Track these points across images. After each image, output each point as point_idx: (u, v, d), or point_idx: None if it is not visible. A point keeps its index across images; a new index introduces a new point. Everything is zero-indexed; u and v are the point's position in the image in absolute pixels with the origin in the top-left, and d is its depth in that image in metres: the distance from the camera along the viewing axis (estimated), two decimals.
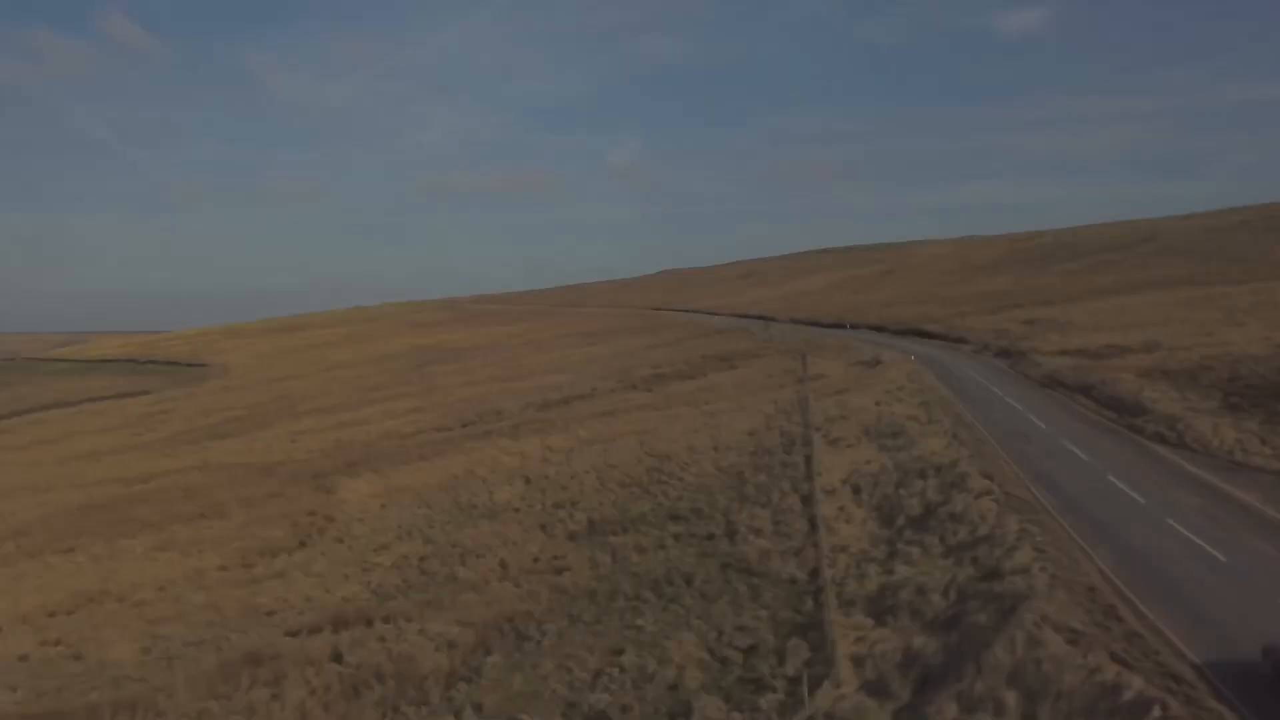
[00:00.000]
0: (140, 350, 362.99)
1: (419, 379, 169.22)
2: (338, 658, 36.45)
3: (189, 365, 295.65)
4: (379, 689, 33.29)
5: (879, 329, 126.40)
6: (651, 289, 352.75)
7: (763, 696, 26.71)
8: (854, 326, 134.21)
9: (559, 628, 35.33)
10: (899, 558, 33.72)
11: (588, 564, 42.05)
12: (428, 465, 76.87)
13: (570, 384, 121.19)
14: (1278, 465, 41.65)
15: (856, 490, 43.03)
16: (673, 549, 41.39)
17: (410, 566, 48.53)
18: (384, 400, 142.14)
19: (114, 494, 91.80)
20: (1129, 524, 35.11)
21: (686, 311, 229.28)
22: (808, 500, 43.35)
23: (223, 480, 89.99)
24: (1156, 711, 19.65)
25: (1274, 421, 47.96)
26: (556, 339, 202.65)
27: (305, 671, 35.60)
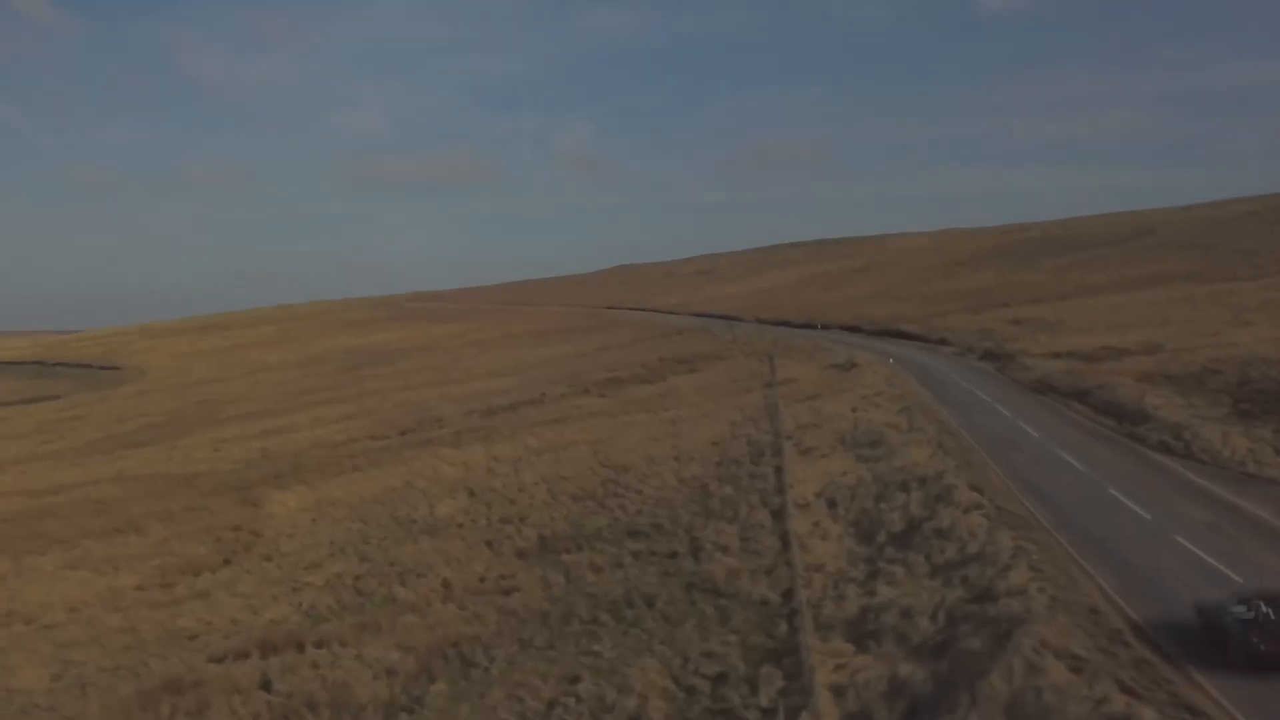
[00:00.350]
0: (48, 352, 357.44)
1: (352, 383, 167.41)
2: (267, 685, 35.23)
3: (101, 368, 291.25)
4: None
5: (853, 329, 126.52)
6: (603, 286, 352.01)
7: None
8: (825, 327, 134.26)
9: (508, 653, 34.37)
10: (881, 578, 33.04)
11: (539, 584, 41.10)
12: (362, 476, 75.54)
13: (517, 388, 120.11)
14: None
15: (832, 504, 42.40)
16: (632, 568, 40.55)
17: (344, 586, 47.31)
18: (314, 406, 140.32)
19: (20, 507, 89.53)
20: (1133, 541, 34.61)
21: (642, 310, 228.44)
22: (779, 515, 42.69)
23: (139, 492, 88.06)
24: None
25: None
26: (501, 340, 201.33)
27: (231, 700, 34.38)
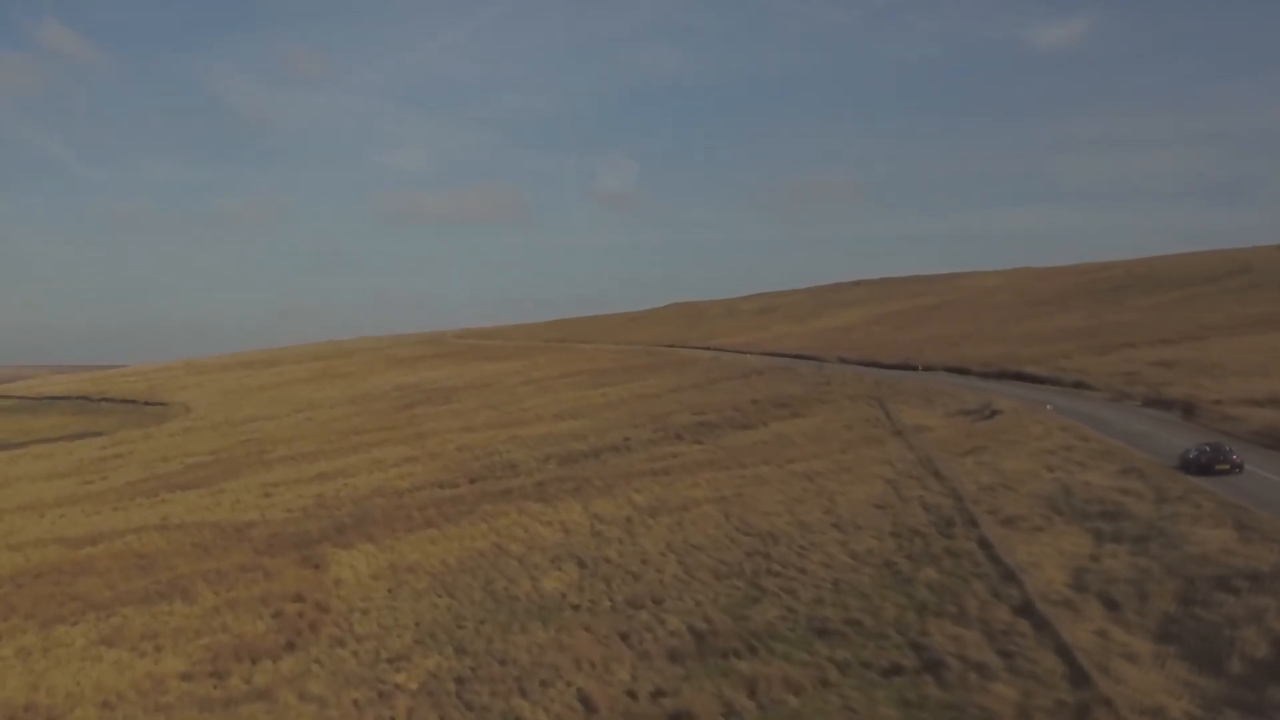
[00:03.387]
0: (92, 387, 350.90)
1: (406, 422, 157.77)
2: None
3: (146, 404, 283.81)
4: None
5: (960, 371, 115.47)
6: (659, 324, 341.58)
7: None
8: (928, 368, 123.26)
9: None
10: None
11: (717, 706, 30.70)
12: (439, 535, 65.54)
13: (593, 432, 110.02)
14: None
15: (1111, 604, 31.59)
16: (845, 687, 30.04)
17: (445, 693, 36.97)
18: (368, 447, 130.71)
19: (56, 559, 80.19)
20: None
21: (707, 349, 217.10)
22: (1028, 613, 32.09)
23: (185, 545, 78.49)
24: None
25: None
26: (559, 379, 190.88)
27: None
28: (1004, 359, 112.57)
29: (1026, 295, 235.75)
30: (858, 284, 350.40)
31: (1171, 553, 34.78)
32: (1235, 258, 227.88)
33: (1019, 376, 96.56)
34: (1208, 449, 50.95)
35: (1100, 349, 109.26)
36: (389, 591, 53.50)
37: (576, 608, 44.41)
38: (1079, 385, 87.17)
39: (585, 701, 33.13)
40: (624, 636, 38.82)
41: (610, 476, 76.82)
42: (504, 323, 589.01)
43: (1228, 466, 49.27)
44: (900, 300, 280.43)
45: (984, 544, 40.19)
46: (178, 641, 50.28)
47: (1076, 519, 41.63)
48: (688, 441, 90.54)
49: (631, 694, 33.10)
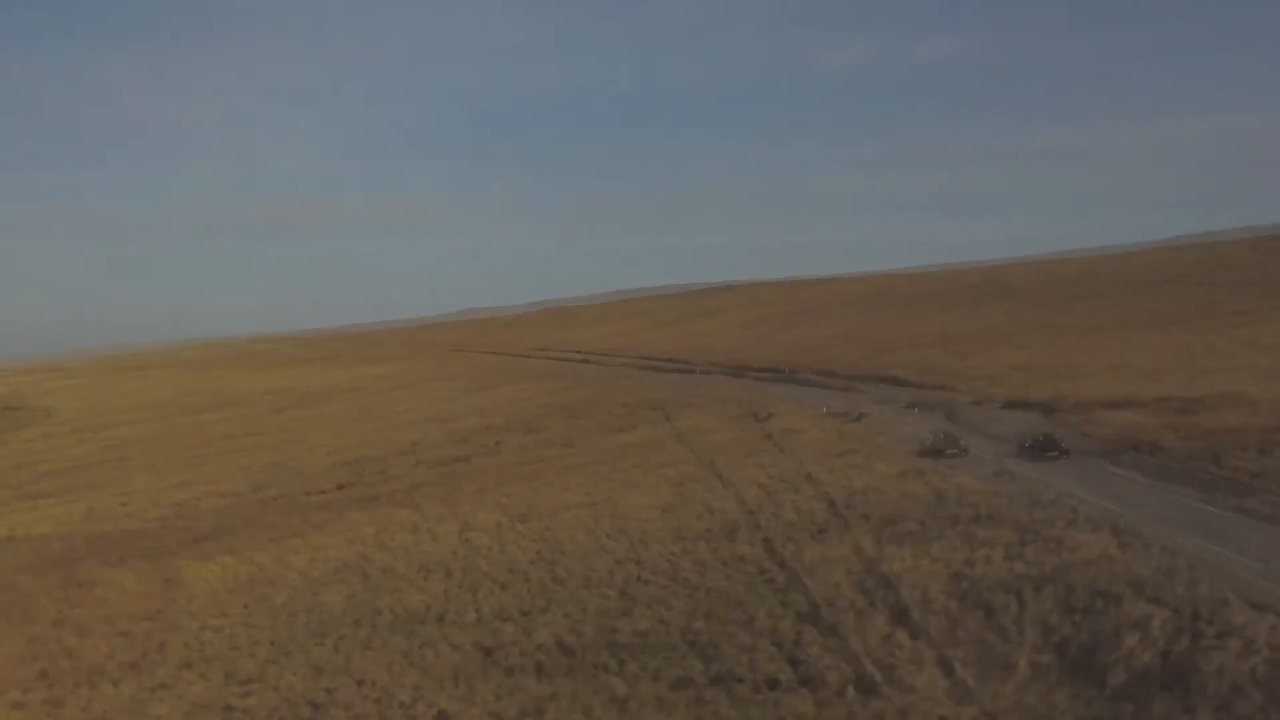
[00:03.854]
0: None
1: (275, 426, 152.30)
2: None
3: (5, 409, 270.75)
4: None
5: (828, 374, 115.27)
6: (531, 327, 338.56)
7: None
8: (795, 371, 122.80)
9: None
10: None
11: None
12: (302, 544, 62.14)
13: (465, 435, 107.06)
14: None
15: (989, 611, 30.24)
16: (722, 705, 28.19)
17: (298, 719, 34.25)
18: (235, 452, 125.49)
19: None
20: None
21: (577, 353, 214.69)
22: (904, 619, 30.64)
23: (31, 558, 73.44)
24: None
25: None
26: (432, 381, 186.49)
27: None
28: (867, 363, 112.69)
29: (890, 299, 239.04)
30: (725, 288, 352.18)
31: (1050, 558, 33.70)
32: (1074, 266, 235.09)
33: (886, 380, 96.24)
34: (1040, 438, 57.19)
35: (961, 354, 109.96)
36: (245, 607, 50.10)
37: (441, 620, 41.86)
38: (941, 388, 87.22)
39: None
40: (488, 651, 36.48)
41: (481, 480, 74.26)
42: (377, 324, 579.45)
43: (1056, 453, 55.09)
44: (764, 305, 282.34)
45: (857, 550, 38.79)
46: (11, 666, 46.23)
47: (957, 524, 40.47)
48: (558, 445, 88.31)
49: (495, 715, 30.78)
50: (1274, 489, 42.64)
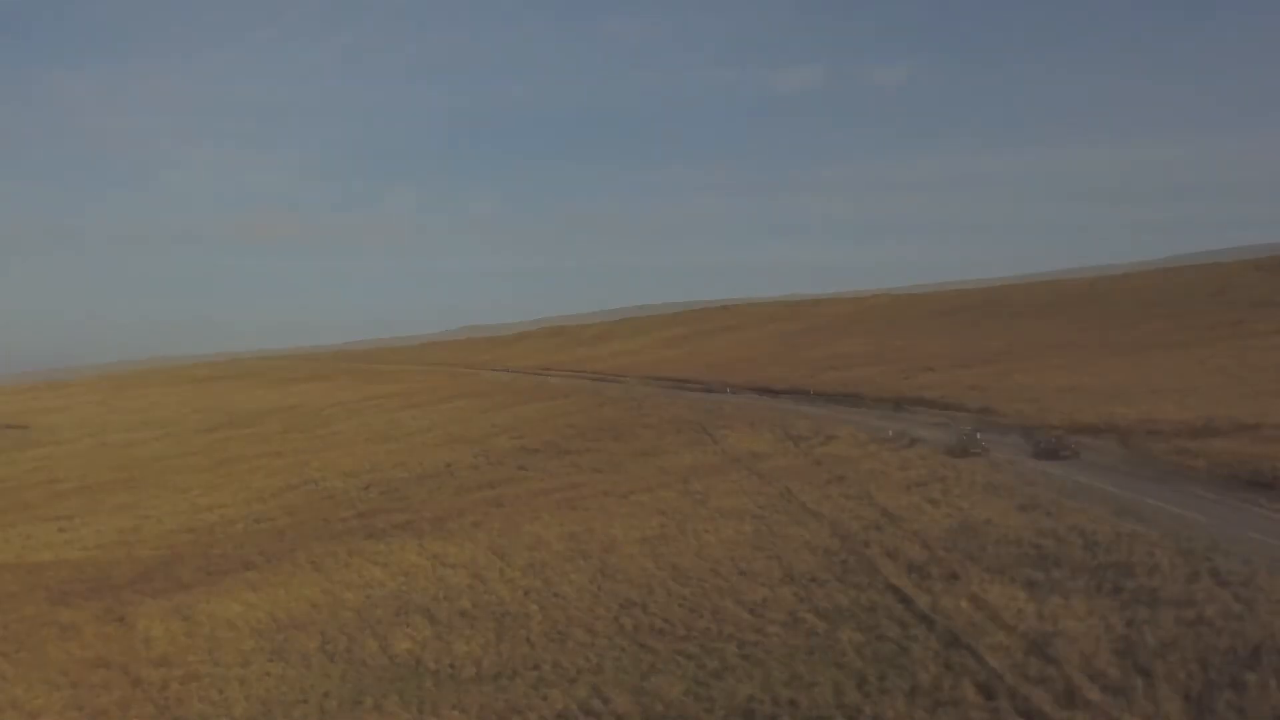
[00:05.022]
0: None
1: (209, 449, 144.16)
2: None
3: (6, 427, 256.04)
4: None
5: (767, 391, 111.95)
6: (535, 345, 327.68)
7: None
8: (735, 390, 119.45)
9: None
10: None
11: None
12: (260, 579, 56.64)
13: (410, 457, 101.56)
14: None
15: (1146, 673, 26.19)
16: None
17: None
18: (170, 475, 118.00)
19: None
20: None
21: (594, 371, 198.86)
22: (996, 691, 26.70)
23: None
24: None
25: None
26: (449, 400, 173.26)
27: None
28: (895, 384, 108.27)
29: (812, 321, 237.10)
30: (724, 307, 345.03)
31: (1160, 610, 29.98)
32: (1082, 284, 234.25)
33: (920, 402, 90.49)
34: (964, 436, 64.48)
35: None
36: (210, 654, 44.77)
37: (436, 674, 37.06)
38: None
39: None
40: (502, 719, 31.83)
41: (440, 508, 69.23)
42: (299, 346, 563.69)
43: (978, 450, 61.36)
44: (688, 325, 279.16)
45: (903, 600, 34.77)
46: None
47: (996, 566, 36.57)
48: (511, 467, 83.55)
49: None
50: None
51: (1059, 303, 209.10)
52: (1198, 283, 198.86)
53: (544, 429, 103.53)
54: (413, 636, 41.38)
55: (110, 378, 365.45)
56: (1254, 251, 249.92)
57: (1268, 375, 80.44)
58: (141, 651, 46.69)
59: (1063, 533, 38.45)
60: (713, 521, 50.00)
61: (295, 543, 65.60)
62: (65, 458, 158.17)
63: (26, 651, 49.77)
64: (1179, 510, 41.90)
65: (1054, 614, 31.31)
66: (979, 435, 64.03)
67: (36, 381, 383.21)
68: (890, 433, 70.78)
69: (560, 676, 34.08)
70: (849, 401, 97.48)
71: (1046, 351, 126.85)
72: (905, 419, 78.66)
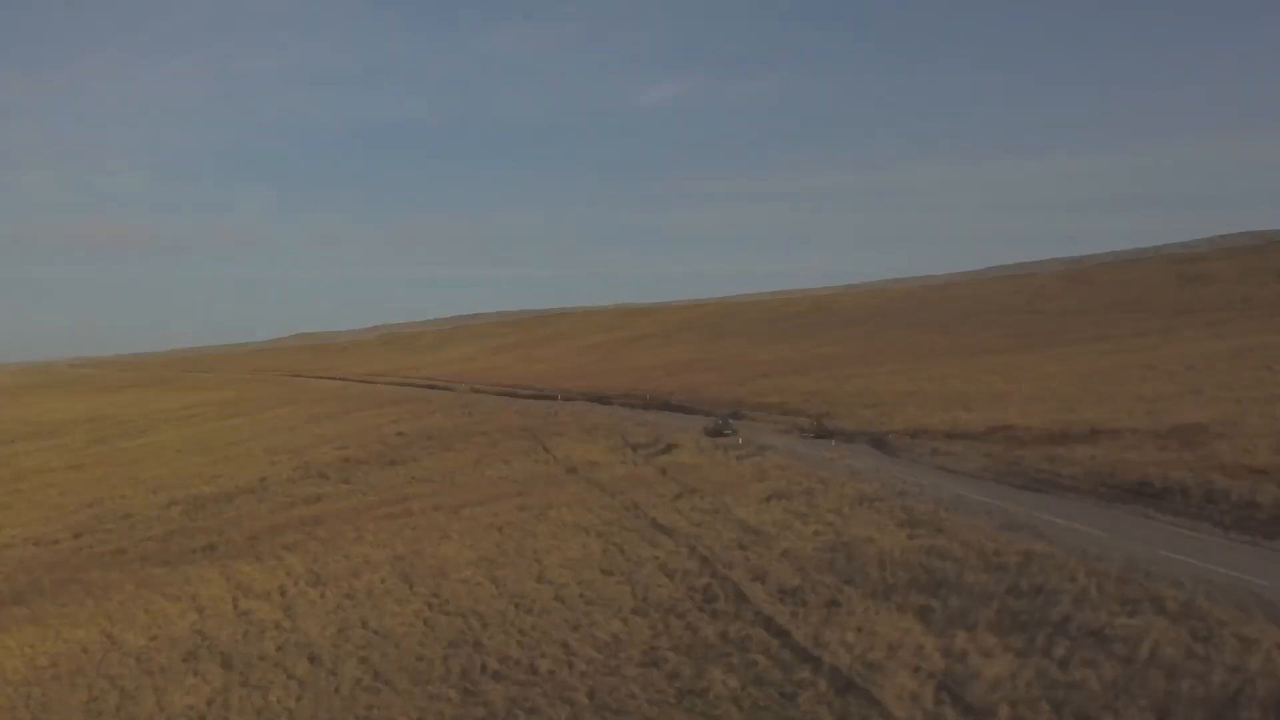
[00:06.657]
0: None
1: (97, 458, 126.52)
2: None
3: None
4: None
5: (601, 400, 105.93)
6: (368, 352, 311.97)
7: None
8: (567, 398, 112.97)
9: None
10: None
11: None
12: (29, 615, 46.98)
13: (222, 470, 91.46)
14: None
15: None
16: None
17: None
18: (49, 489, 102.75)
19: None
20: None
21: (424, 379, 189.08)
22: None
23: None
24: None
25: None
26: (271, 409, 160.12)
27: None
28: (730, 390, 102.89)
29: (641, 330, 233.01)
30: (560, 314, 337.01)
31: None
32: (905, 293, 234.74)
33: (760, 406, 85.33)
34: (718, 421, 72.64)
35: (837, 378, 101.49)
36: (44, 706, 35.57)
37: None
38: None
39: None
40: None
41: (251, 529, 60.40)
42: (123, 352, 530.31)
43: (731, 432, 68.23)
44: (521, 333, 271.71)
45: (774, 628, 28.72)
46: None
47: (881, 591, 30.80)
48: (334, 480, 74.93)
49: None
50: None
51: (885, 310, 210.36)
52: (1012, 293, 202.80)
53: (371, 438, 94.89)
54: (198, 690, 33.08)
55: None
56: (1062, 264, 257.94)
57: (1100, 381, 78.45)
58: None
59: (956, 552, 32.81)
60: (555, 539, 42.98)
61: (75, 571, 55.77)
62: None
63: None
64: (1074, 524, 36.90)
65: (962, 651, 25.60)
66: (731, 421, 72.64)
67: None
68: (740, 440, 65.68)
69: None
70: (684, 409, 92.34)
71: (879, 358, 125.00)
72: (745, 426, 73.59)
